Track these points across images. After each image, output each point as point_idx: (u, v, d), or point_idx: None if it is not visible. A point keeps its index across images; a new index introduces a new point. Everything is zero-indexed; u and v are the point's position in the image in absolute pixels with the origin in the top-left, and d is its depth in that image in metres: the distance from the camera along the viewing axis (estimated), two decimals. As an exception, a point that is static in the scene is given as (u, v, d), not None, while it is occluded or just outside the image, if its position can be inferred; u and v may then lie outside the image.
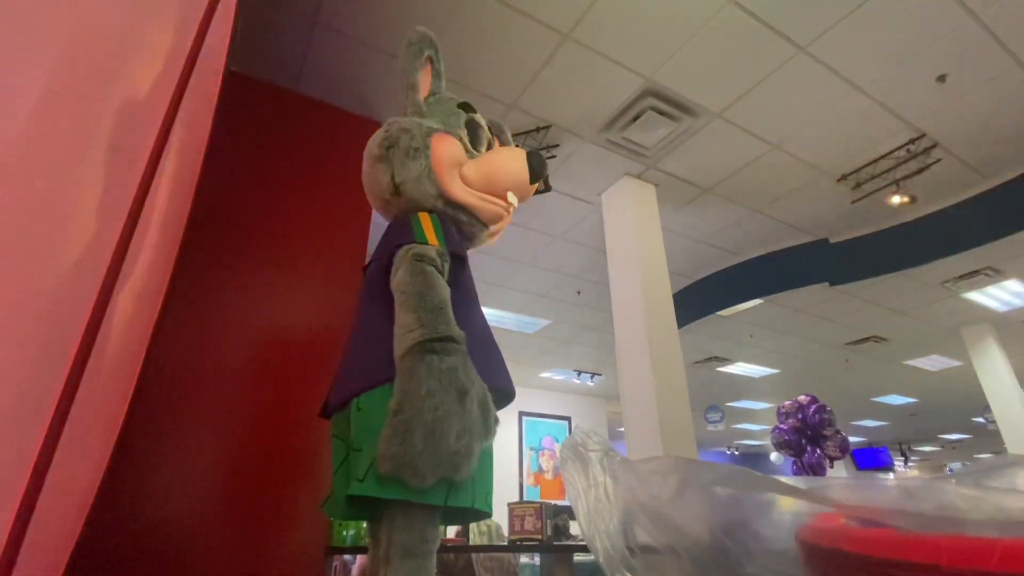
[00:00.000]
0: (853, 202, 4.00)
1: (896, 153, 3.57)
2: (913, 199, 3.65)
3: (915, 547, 0.45)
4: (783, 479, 0.65)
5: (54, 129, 0.65)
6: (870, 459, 13.41)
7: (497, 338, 1.19)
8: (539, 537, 2.73)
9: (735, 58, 2.83)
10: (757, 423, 11.82)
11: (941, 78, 2.99)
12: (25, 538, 0.61)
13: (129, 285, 1.11)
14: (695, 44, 2.73)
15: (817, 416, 5.61)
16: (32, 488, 0.64)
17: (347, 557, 3.81)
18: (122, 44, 0.84)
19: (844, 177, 3.83)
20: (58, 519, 0.99)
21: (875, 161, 3.66)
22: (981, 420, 9.68)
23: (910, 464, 15.33)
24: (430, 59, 1.39)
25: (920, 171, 3.61)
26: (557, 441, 8.74)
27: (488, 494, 1.06)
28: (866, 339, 6.62)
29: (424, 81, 1.37)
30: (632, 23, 2.62)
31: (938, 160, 3.59)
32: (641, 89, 3.03)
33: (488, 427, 0.98)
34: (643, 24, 2.63)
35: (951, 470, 15.59)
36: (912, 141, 3.47)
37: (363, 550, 2.35)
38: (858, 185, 3.85)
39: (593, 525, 0.88)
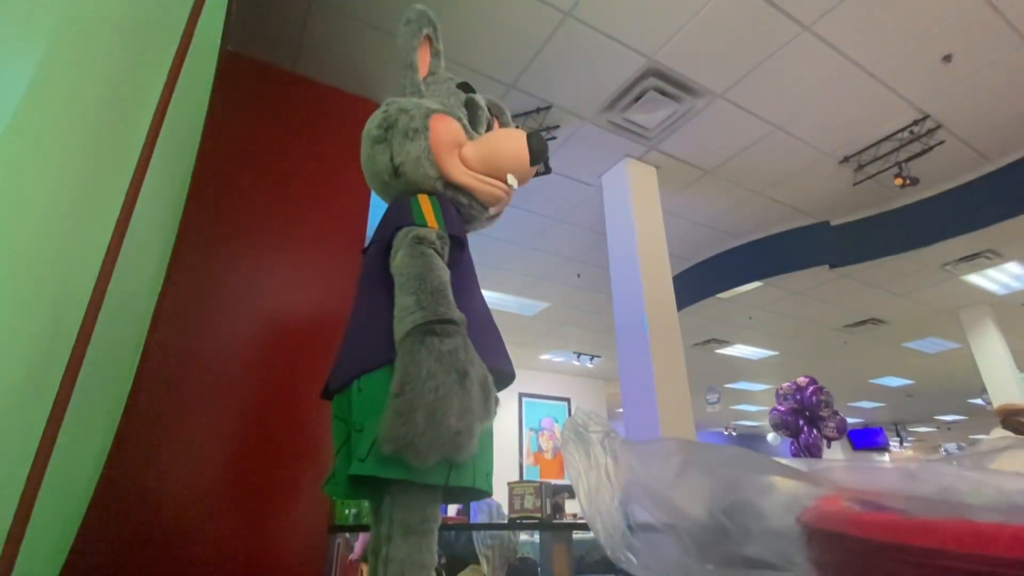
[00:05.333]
0: (855, 184, 3.98)
1: (899, 135, 3.54)
2: (915, 181, 3.63)
3: (918, 531, 0.45)
4: (785, 461, 0.65)
5: (48, 111, 0.64)
6: (866, 439, 13.52)
7: (497, 320, 1.19)
8: (538, 515, 2.77)
9: (738, 37, 2.79)
10: (754, 404, 11.91)
11: (947, 58, 2.95)
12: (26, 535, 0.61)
13: (128, 268, 1.11)
14: (698, 23, 2.69)
15: (814, 397, 5.65)
16: (34, 479, 0.64)
17: (349, 535, 3.86)
18: (117, 24, 0.82)
19: (846, 159, 3.80)
20: (60, 503, 0.99)
21: (878, 143, 3.63)
22: (979, 401, 9.74)
23: (906, 444, 15.48)
24: (429, 38, 1.37)
25: (923, 153, 3.58)
26: (556, 422, 8.81)
27: (488, 474, 1.07)
28: (865, 321, 6.63)
29: (423, 60, 1.35)
30: (634, 1, 2.58)
31: (941, 142, 3.56)
32: (643, 69, 2.99)
33: (488, 408, 0.98)
34: (645, 2, 2.58)
35: (946, 450, 15.77)
36: (916, 122, 3.44)
37: (365, 528, 2.38)
38: (860, 167, 3.82)
39: (594, 505, 0.89)
